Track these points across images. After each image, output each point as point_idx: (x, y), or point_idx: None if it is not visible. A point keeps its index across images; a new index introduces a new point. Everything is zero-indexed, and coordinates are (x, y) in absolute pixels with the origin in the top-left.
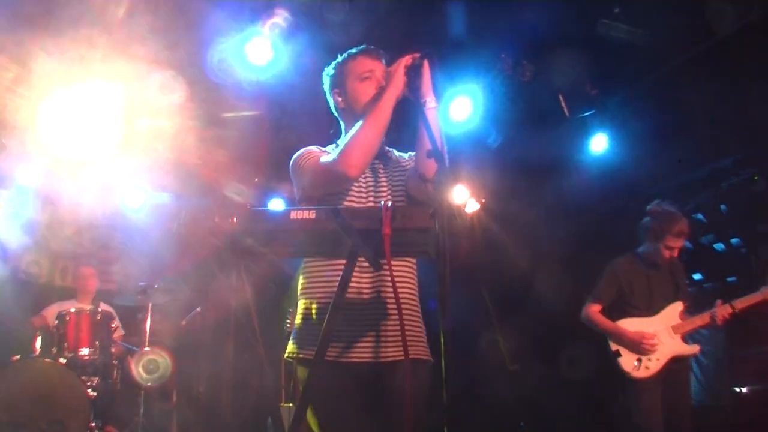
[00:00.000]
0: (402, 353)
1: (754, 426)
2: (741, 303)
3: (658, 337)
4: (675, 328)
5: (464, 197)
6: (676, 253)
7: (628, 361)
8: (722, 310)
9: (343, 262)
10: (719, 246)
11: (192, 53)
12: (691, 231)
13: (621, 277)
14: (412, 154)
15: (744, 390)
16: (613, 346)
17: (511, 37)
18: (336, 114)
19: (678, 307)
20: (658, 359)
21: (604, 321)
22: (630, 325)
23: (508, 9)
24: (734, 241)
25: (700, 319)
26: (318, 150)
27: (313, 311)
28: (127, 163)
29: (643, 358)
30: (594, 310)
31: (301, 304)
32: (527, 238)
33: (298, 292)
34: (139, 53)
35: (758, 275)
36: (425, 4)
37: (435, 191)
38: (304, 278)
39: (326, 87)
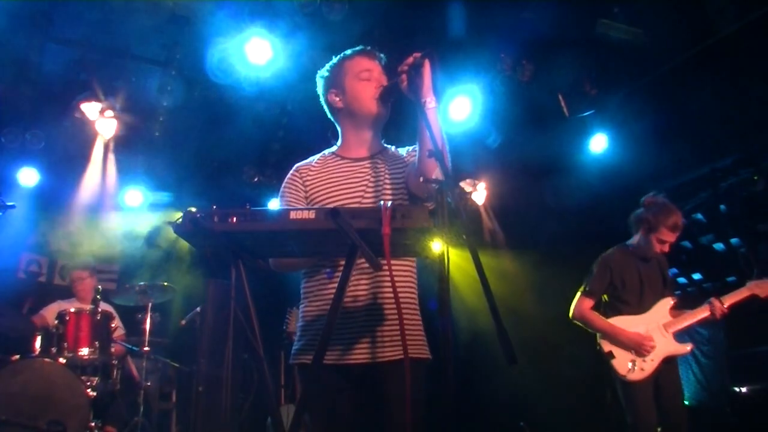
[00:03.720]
0: (400, 353)
1: (754, 426)
2: (730, 299)
3: (653, 338)
4: (667, 326)
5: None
6: (667, 248)
7: (622, 364)
8: (717, 306)
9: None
10: (719, 246)
11: (191, 53)
12: (687, 228)
13: (613, 270)
14: (410, 148)
15: (744, 390)
16: (606, 347)
17: (511, 37)
18: (331, 116)
19: (668, 303)
20: (652, 360)
21: (599, 320)
22: (622, 324)
23: (508, 9)
24: (734, 241)
25: (691, 316)
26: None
27: (312, 314)
28: (127, 163)
29: (638, 360)
30: (587, 306)
31: (302, 307)
32: (527, 237)
33: (301, 295)
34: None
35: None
36: (425, 4)
37: (436, 190)
38: (304, 281)
39: (321, 89)
